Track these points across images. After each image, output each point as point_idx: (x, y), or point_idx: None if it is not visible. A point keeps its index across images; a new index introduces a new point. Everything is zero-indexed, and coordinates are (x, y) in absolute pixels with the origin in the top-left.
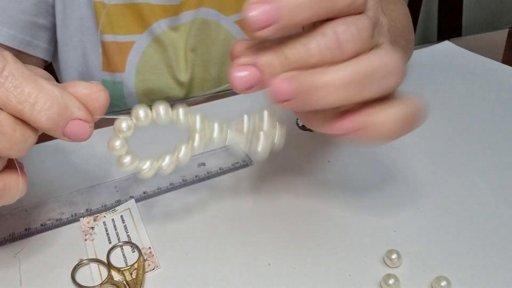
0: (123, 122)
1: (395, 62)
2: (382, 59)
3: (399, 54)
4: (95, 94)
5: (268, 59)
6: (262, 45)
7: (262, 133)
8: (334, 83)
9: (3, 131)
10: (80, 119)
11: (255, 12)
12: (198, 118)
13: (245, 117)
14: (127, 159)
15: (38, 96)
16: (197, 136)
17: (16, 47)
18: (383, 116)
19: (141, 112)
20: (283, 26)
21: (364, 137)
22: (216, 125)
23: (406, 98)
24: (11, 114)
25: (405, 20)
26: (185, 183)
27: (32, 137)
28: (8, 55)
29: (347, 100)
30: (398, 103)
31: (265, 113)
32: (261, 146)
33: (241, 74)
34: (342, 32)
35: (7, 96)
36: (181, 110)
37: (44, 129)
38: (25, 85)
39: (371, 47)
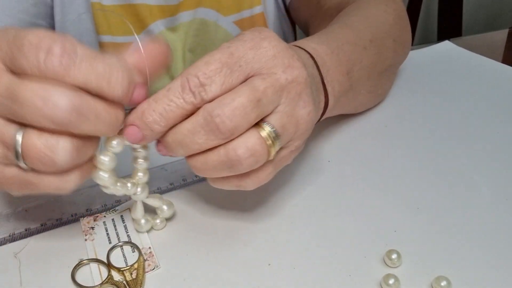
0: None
1: (254, 148)
2: (239, 150)
3: (260, 140)
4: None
5: (167, 141)
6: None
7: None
8: (196, 167)
9: (99, 116)
10: (139, 84)
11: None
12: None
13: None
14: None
15: (111, 71)
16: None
17: None
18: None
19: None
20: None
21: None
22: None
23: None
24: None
25: (393, 19)
26: (185, 183)
27: (122, 114)
28: (72, 37)
29: (213, 176)
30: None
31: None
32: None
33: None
34: (216, 115)
35: (88, 76)
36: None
37: (120, 100)
38: (98, 63)
39: (254, 120)
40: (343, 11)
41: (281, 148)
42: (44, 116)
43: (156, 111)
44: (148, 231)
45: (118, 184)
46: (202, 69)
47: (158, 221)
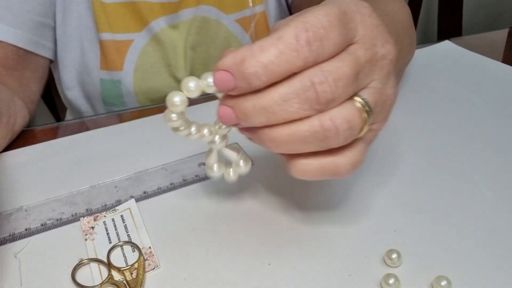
0: (176, 96)
1: (352, 119)
2: (337, 120)
3: (358, 112)
4: None
5: (247, 108)
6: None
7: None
8: (278, 140)
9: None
10: None
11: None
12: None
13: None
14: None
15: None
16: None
17: (24, 47)
18: (304, 164)
19: (190, 83)
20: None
21: (291, 168)
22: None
23: (334, 155)
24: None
25: (408, 20)
26: (185, 183)
27: None
28: None
29: (295, 151)
30: (322, 157)
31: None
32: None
33: (222, 112)
34: (319, 83)
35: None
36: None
37: None
38: None
39: (352, 92)
40: None
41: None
42: None
43: (261, 62)
44: (218, 177)
45: (193, 128)
46: (322, 21)
47: (231, 171)
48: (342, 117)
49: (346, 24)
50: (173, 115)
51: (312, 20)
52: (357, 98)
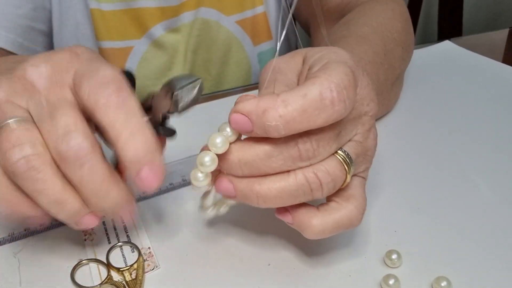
0: (206, 156)
1: (334, 172)
2: (320, 174)
3: (340, 165)
4: None
5: (231, 160)
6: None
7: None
8: (267, 195)
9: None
10: None
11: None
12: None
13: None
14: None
15: None
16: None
17: (15, 51)
18: (321, 223)
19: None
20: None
21: (307, 231)
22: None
23: (345, 208)
24: None
25: (402, 27)
26: (185, 183)
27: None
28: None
29: (282, 205)
30: (336, 212)
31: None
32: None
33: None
34: (302, 142)
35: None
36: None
37: None
38: None
39: (334, 149)
40: (348, 16)
41: (353, 176)
42: None
43: (283, 117)
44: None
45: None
46: (344, 80)
47: (222, 208)
48: (325, 171)
49: (357, 84)
50: (200, 175)
51: (336, 79)
52: (339, 152)
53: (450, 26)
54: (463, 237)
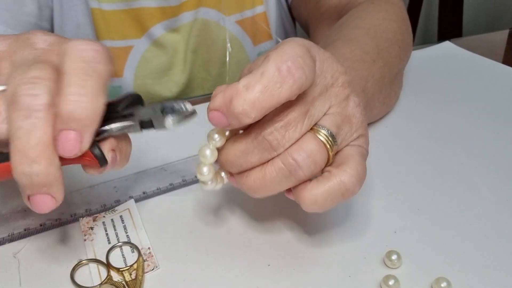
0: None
1: (312, 151)
2: (296, 155)
3: (317, 142)
4: None
5: (220, 160)
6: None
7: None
8: (254, 186)
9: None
10: None
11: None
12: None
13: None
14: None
15: None
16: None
17: None
18: (310, 194)
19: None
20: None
21: (302, 205)
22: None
23: (335, 175)
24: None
25: (397, 26)
26: (185, 183)
27: None
28: None
29: (271, 192)
30: (326, 181)
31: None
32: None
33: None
34: (269, 133)
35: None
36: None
37: None
38: None
39: (306, 128)
40: (341, 20)
41: (346, 146)
42: None
43: (248, 100)
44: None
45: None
46: (297, 51)
47: (223, 174)
48: (300, 150)
49: (313, 56)
50: (205, 169)
51: (288, 51)
52: (315, 128)
53: (450, 27)
54: (463, 238)
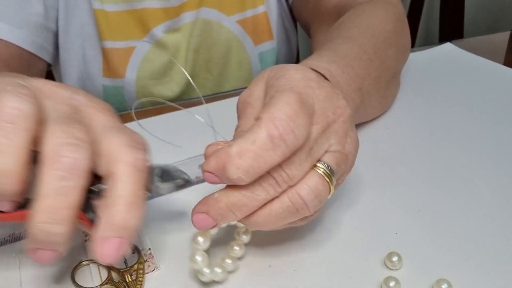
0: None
1: (316, 187)
2: (303, 192)
3: (321, 179)
4: None
5: (221, 208)
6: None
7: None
8: (258, 223)
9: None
10: None
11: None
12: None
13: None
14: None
15: None
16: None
17: (28, 48)
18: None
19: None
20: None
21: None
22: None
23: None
24: None
25: (393, 26)
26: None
27: None
28: None
29: (276, 227)
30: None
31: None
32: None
33: (198, 219)
34: (274, 171)
35: None
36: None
37: None
38: None
39: (309, 166)
40: (340, 19)
41: None
42: None
43: (241, 168)
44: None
45: (216, 268)
46: (287, 112)
47: (229, 261)
48: (307, 188)
49: (306, 105)
50: (198, 257)
51: (278, 115)
52: (318, 165)
53: (451, 28)
54: (464, 239)
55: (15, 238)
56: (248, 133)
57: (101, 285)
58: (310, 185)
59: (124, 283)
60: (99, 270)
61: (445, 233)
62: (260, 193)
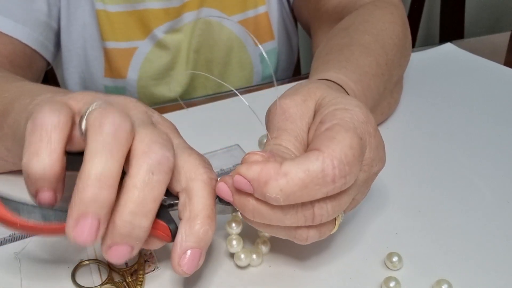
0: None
1: (325, 233)
2: (311, 233)
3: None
4: None
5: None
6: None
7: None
8: (268, 231)
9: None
10: None
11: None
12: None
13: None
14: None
15: None
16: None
17: (31, 45)
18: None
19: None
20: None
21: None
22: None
23: None
24: None
25: (401, 30)
26: None
27: None
28: None
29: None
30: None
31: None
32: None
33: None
34: (319, 207)
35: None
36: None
37: None
38: None
39: (341, 211)
40: (348, 21)
41: None
42: None
43: (284, 191)
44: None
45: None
46: (348, 156)
47: (254, 256)
48: (315, 230)
49: (363, 154)
50: (234, 242)
51: (339, 156)
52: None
53: (452, 29)
54: (464, 240)
55: (16, 238)
56: (302, 159)
57: (101, 285)
58: (320, 230)
59: (124, 283)
60: (99, 269)
61: (445, 233)
62: (290, 218)
